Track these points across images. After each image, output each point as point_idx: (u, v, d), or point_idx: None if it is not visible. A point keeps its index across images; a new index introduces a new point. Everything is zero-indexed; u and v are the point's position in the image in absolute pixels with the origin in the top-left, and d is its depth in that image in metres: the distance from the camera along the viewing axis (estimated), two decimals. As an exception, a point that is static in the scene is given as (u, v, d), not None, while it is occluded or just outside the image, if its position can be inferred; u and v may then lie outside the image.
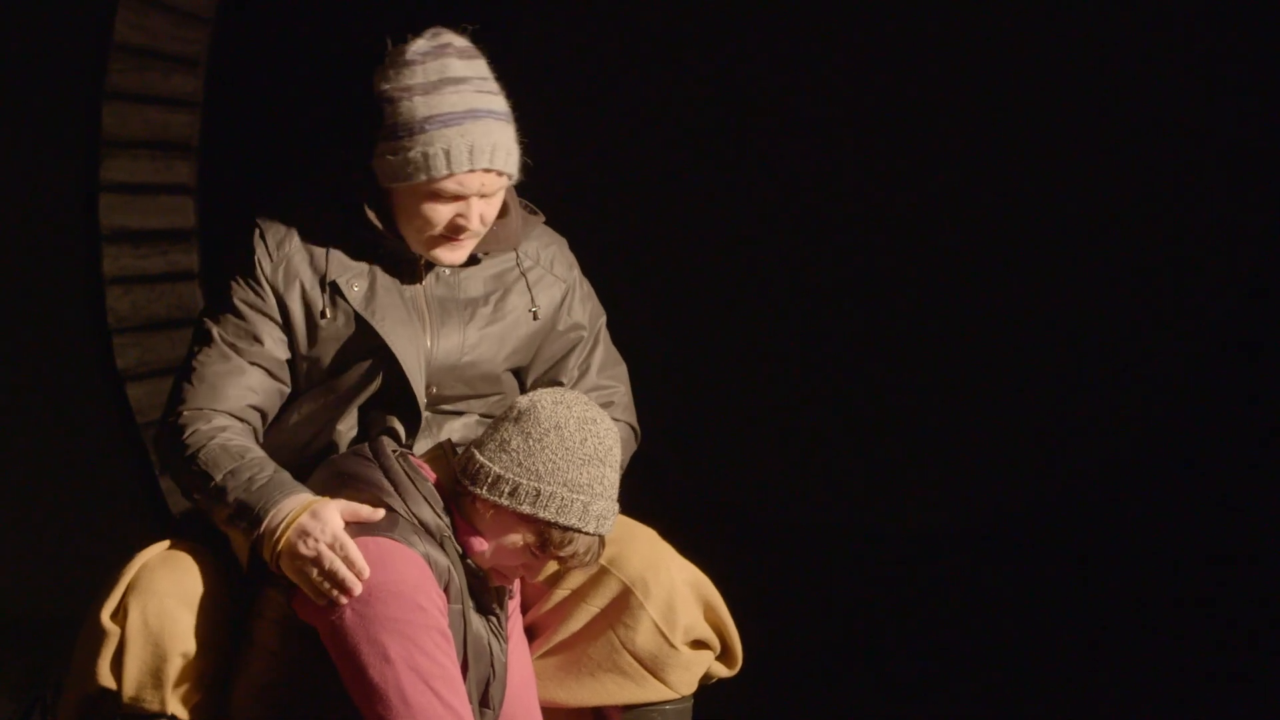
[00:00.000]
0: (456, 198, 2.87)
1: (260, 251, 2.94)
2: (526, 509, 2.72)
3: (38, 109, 5.19)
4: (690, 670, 2.97)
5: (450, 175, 2.83)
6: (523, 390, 3.09)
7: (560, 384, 3.08)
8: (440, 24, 6.67)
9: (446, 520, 2.76)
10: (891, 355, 6.35)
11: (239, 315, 2.93)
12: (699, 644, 2.98)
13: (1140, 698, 4.67)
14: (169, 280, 5.43)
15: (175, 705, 2.76)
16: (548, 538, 2.72)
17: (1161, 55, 5.99)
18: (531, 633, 3.01)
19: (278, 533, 2.71)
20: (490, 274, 3.02)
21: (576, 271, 3.12)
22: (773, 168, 6.40)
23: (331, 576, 2.65)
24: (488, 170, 2.86)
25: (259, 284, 2.93)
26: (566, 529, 2.71)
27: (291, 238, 2.95)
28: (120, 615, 2.76)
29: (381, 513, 2.72)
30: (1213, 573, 5.51)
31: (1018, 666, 4.93)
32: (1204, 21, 5.90)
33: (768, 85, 6.39)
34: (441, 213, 2.87)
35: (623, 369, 3.20)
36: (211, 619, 2.79)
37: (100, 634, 2.76)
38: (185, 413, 2.87)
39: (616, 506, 2.79)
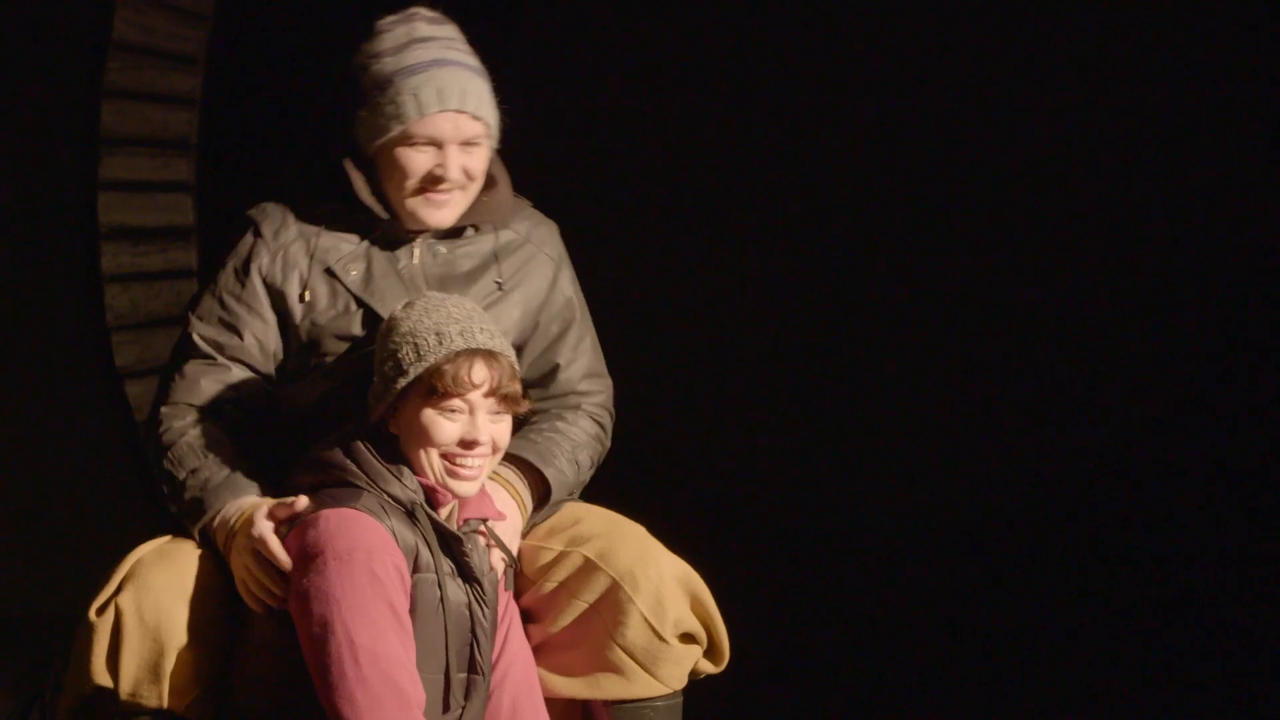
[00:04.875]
0: (433, 144, 2.94)
1: (257, 243, 3.01)
2: (402, 381, 2.75)
3: (37, 106, 5.19)
4: (680, 665, 2.96)
5: (421, 118, 2.91)
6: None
7: (558, 365, 3.14)
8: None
9: (417, 490, 2.77)
10: (884, 354, 6.35)
11: (225, 309, 3.00)
12: (687, 638, 2.98)
13: (1139, 697, 4.67)
14: (168, 278, 5.43)
15: (173, 701, 2.76)
16: (433, 383, 2.74)
17: (1160, 56, 6.00)
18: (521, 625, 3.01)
19: (219, 533, 2.80)
20: (485, 250, 3.08)
21: (565, 253, 3.19)
22: (766, 169, 6.39)
23: (257, 581, 2.73)
24: (459, 111, 2.93)
25: (249, 278, 3.00)
26: (439, 361, 2.73)
27: (287, 228, 3.02)
28: (113, 611, 2.76)
29: (305, 500, 2.75)
30: (1209, 573, 5.52)
31: (1011, 666, 4.93)
32: (1204, 21, 5.90)
33: (770, 87, 6.39)
34: (419, 161, 2.95)
35: (603, 361, 3.24)
36: (208, 613, 2.79)
37: (90, 631, 2.77)
38: (164, 409, 2.96)
39: (481, 325, 2.80)
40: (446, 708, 2.77)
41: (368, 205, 3.00)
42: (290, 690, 2.73)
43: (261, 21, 5.76)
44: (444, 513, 2.80)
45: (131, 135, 5.27)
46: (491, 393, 2.77)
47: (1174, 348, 6.02)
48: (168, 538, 2.89)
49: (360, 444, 2.79)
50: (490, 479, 2.96)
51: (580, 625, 2.93)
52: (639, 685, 2.93)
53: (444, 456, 2.77)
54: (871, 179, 6.34)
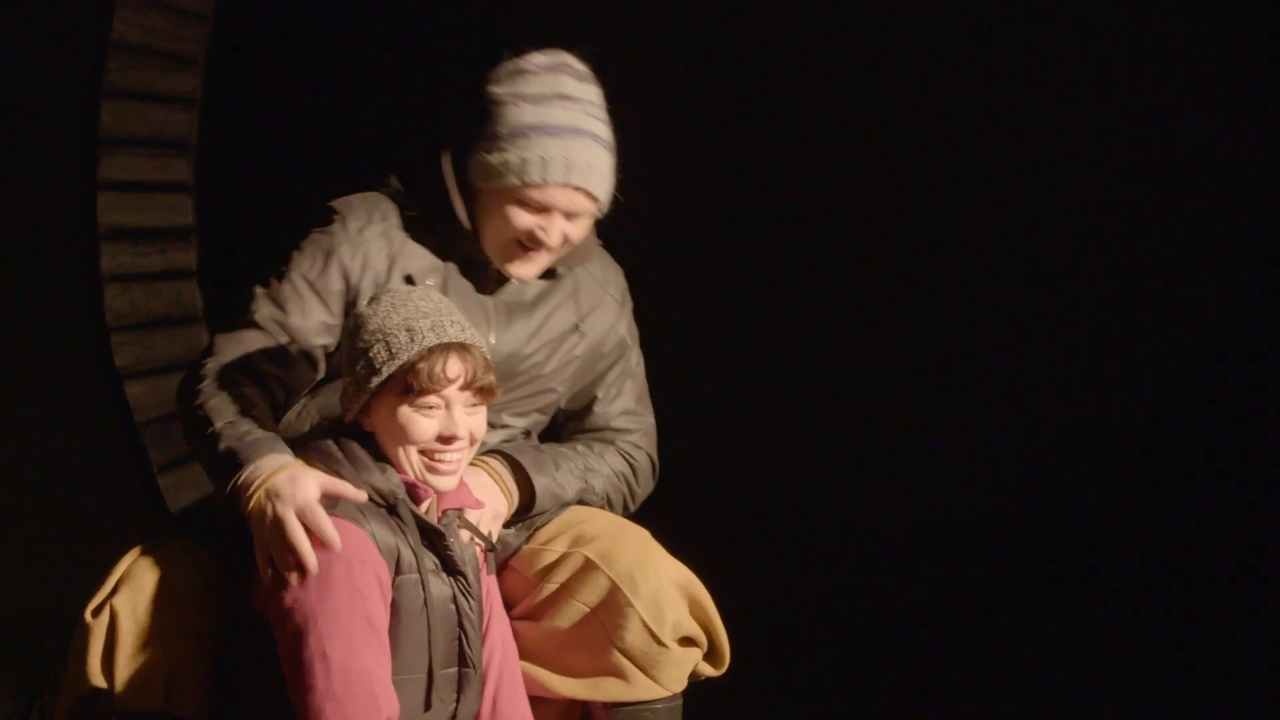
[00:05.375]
0: (542, 209, 2.93)
1: (340, 237, 2.98)
2: (375, 381, 2.71)
3: (36, 107, 5.19)
4: (680, 668, 2.96)
5: (541, 185, 2.90)
6: (558, 414, 3.18)
7: (595, 398, 3.18)
8: (434, 21, 6.73)
9: (399, 485, 2.75)
10: (885, 354, 6.35)
11: (296, 291, 2.96)
12: (687, 641, 2.98)
13: (1137, 697, 4.68)
14: (167, 278, 5.43)
15: (169, 701, 2.75)
16: (408, 382, 2.70)
17: (1158, 57, 6.00)
18: (522, 625, 3.00)
19: (252, 488, 2.69)
20: (556, 283, 3.10)
21: (628, 296, 3.22)
22: (762, 167, 6.39)
23: (291, 548, 2.61)
24: (578, 189, 2.92)
25: (329, 268, 2.98)
26: (412, 359, 2.69)
27: (371, 226, 3.00)
28: (108, 613, 2.76)
29: (364, 495, 2.70)
30: (1209, 572, 5.52)
31: (1012, 669, 4.93)
32: (1204, 22, 5.90)
33: (777, 88, 6.39)
34: (524, 220, 2.94)
35: (649, 404, 3.28)
36: (203, 615, 2.79)
37: (86, 632, 2.76)
38: (209, 364, 2.91)
39: (451, 318, 2.75)
40: (428, 706, 2.76)
41: (460, 224, 2.98)
42: (286, 692, 2.72)
43: (261, 22, 5.77)
44: (424, 507, 2.79)
45: (131, 136, 5.27)
46: (467, 386, 2.75)
47: (1174, 347, 6.01)
48: (165, 538, 2.88)
49: (352, 442, 2.77)
50: (472, 464, 2.96)
51: (581, 627, 2.93)
52: (639, 688, 2.92)
53: (423, 453, 2.75)
54: (868, 182, 6.34)
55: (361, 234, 2.99)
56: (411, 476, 2.76)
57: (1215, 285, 5.99)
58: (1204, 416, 5.91)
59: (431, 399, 2.72)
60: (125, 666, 2.74)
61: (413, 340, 2.70)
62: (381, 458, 2.76)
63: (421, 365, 2.70)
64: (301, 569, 2.61)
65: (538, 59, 2.97)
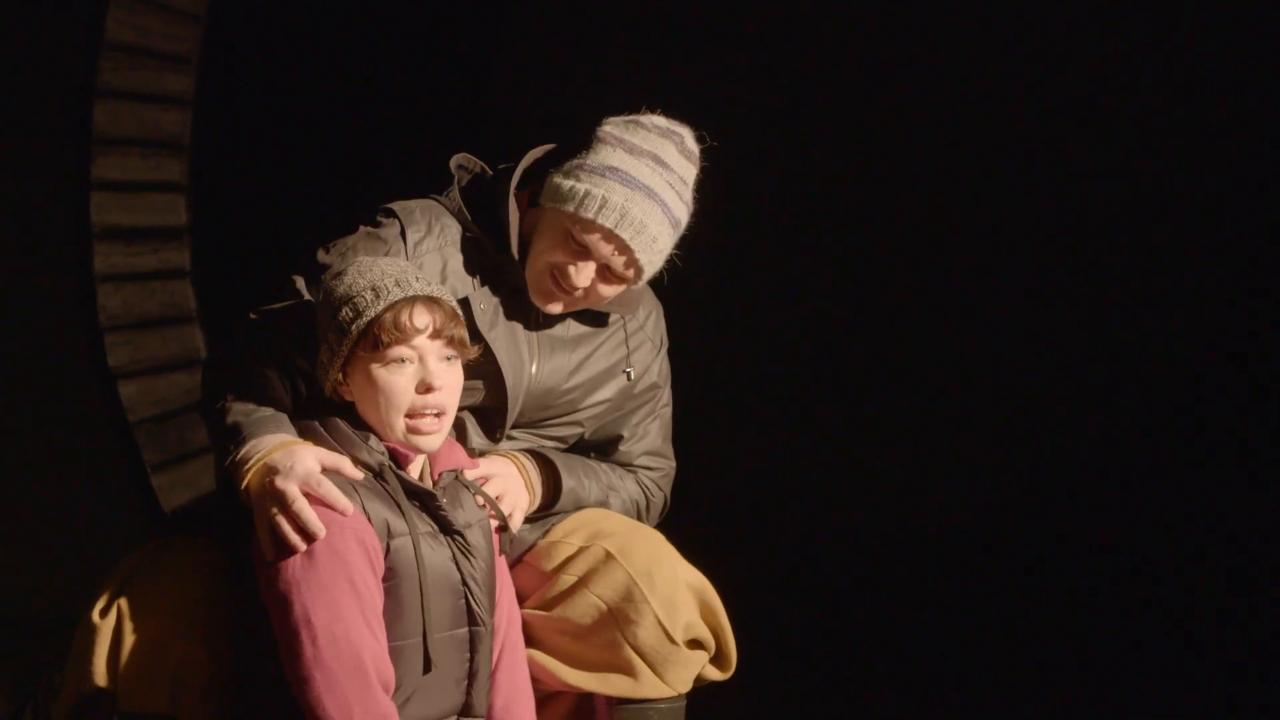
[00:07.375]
0: (581, 251, 2.95)
1: (396, 241, 2.98)
2: (346, 342, 2.72)
3: (29, 106, 5.19)
4: (688, 669, 2.99)
5: (590, 223, 2.91)
6: (579, 442, 3.19)
7: (621, 436, 3.19)
8: (429, 23, 6.69)
9: (383, 452, 2.75)
10: (886, 357, 6.35)
11: None
12: (695, 644, 3.00)
13: (1136, 696, 4.68)
14: (160, 278, 5.42)
15: (174, 705, 2.75)
16: (378, 336, 2.71)
17: (1156, 58, 6.00)
18: (535, 616, 3.01)
19: (249, 463, 2.70)
20: (601, 324, 3.13)
21: (665, 336, 3.25)
22: (763, 169, 6.39)
23: (295, 518, 2.63)
24: (623, 248, 2.93)
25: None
26: (378, 314, 2.70)
27: (429, 239, 3.01)
28: (114, 613, 2.75)
29: (361, 475, 2.71)
30: (1203, 571, 5.53)
31: (1013, 670, 4.93)
32: (1202, 23, 5.91)
33: (771, 90, 6.39)
34: (560, 254, 2.96)
35: (671, 446, 3.29)
36: (209, 615, 2.78)
37: (92, 632, 2.75)
38: (237, 343, 2.93)
39: (416, 275, 2.76)
40: (428, 668, 2.75)
41: (510, 253, 3.00)
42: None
43: (254, 22, 5.76)
44: (413, 470, 2.79)
45: (124, 135, 5.27)
46: (437, 334, 2.74)
47: (1170, 347, 6.02)
48: (173, 538, 2.88)
49: (334, 417, 2.77)
50: (501, 455, 2.99)
51: (595, 621, 2.95)
52: (646, 686, 2.95)
53: (407, 416, 2.74)
54: (867, 184, 6.33)
55: (418, 248, 2.99)
56: (394, 442, 2.76)
57: (1212, 286, 6.00)
58: (1201, 417, 5.92)
59: (402, 350, 2.72)
60: (130, 668, 2.74)
61: (379, 298, 2.71)
62: (364, 427, 2.76)
63: (388, 316, 2.70)
64: (309, 539, 2.62)
65: (658, 121, 3.02)
